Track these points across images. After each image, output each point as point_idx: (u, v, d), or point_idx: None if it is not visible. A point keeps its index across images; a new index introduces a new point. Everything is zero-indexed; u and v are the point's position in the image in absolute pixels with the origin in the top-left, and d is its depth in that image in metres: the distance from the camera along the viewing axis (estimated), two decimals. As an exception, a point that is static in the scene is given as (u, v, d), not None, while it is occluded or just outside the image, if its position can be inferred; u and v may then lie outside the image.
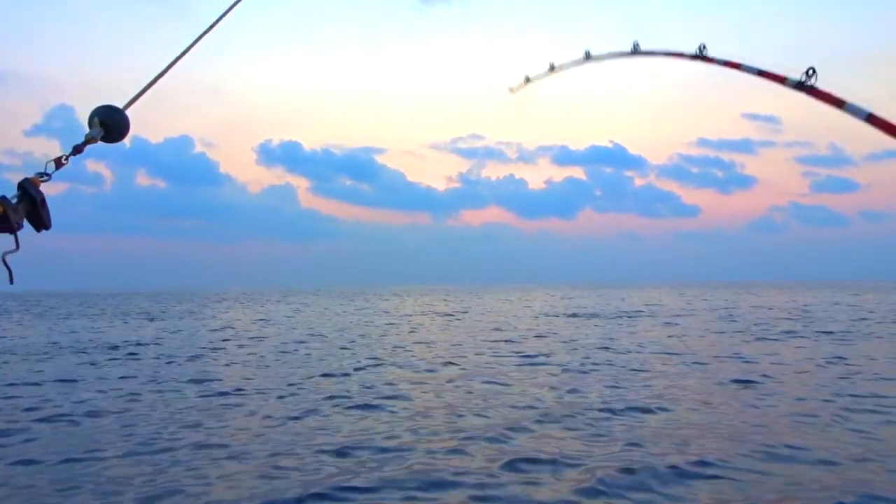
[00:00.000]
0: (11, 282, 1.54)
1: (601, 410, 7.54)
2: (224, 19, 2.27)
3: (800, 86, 2.62)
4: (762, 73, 2.95)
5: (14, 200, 1.49)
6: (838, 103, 2.49)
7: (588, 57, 4.74)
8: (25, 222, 1.52)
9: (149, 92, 1.91)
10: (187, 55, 2.09)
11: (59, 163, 1.64)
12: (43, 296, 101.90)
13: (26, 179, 1.55)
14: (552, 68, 5.20)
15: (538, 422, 7.05)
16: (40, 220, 1.56)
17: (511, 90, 5.66)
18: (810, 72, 2.57)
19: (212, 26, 2.15)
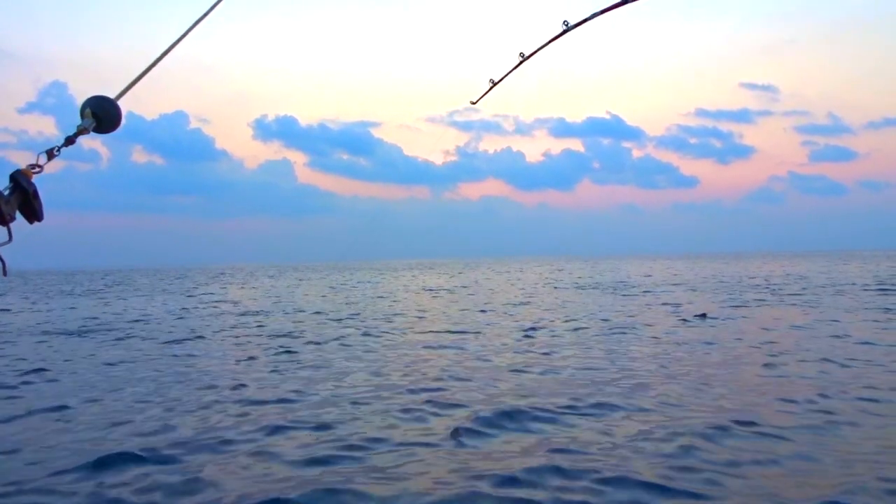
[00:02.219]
0: (5, 274, 1.56)
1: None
2: (217, 6, 2.22)
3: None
4: None
5: (6, 192, 1.49)
6: None
7: (522, 57, 4.35)
8: (18, 214, 1.52)
9: (142, 70, 1.89)
10: (179, 37, 2.07)
11: (50, 154, 1.64)
12: (40, 274, 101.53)
13: (18, 171, 1.55)
14: (491, 83, 4.83)
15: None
16: (33, 212, 1.56)
17: (473, 102, 5.38)
18: None
19: (206, 14, 2.10)
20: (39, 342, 12.64)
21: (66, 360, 10.16)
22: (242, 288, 35.98)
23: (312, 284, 38.89)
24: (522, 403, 6.27)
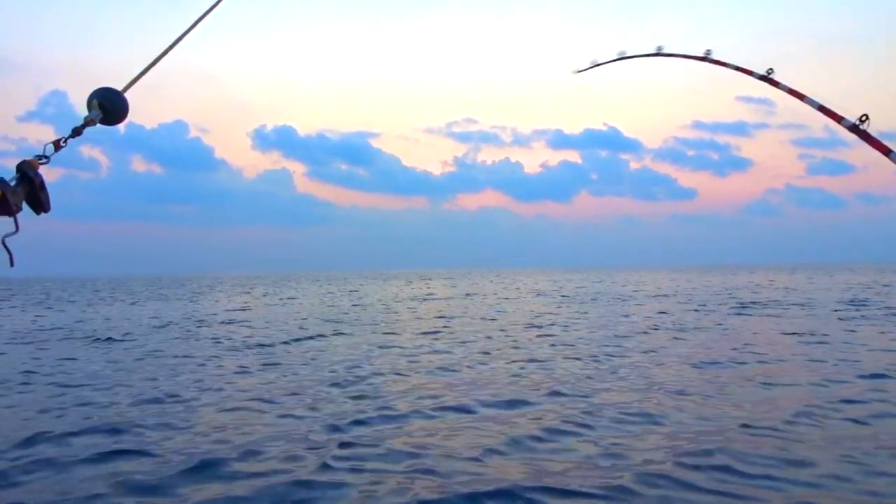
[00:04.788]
0: (12, 265, 1.54)
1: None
2: (219, 4, 2.22)
3: (854, 129, 2.98)
4: (822, 109, 3.26)
5: (13, 183, 1.48)
6: (885, 150, 2.82)
7: (659, 52, 4.88)
8: (25, 205, 1.51)
9: (143, 77, 1.89)
10: (183, 39, 2.06)
11: (57, 145, 1.63)
12: (41, 281, 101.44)
13: (25, 162, 1.54)
14: (621, 56, 5.28)
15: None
16: (39, 203, 1.55)
17: (574, 72, 5.64)
18: (864, 118, 2.95)
19: (209, 10, 2.11)
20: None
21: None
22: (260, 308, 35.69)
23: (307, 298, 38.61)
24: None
